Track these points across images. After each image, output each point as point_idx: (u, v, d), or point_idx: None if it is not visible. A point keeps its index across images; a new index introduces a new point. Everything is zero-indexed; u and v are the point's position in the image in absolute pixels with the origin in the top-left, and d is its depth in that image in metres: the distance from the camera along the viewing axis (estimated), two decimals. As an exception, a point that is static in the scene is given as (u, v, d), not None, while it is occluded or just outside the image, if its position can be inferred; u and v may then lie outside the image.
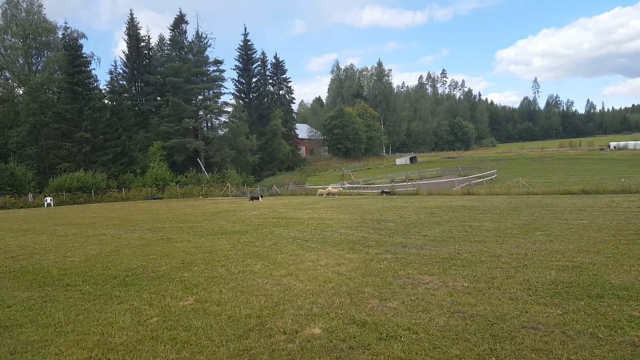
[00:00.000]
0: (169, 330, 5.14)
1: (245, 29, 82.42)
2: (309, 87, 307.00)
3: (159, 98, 70.76)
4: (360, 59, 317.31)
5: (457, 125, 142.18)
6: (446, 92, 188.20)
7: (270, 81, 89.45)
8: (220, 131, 69.85)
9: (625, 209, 14.51)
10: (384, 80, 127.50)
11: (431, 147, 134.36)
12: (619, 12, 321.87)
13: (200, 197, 47.81)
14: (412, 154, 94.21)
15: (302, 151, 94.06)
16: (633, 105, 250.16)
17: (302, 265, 8.17)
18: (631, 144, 78.69)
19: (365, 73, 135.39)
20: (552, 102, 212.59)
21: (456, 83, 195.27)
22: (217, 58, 68.62)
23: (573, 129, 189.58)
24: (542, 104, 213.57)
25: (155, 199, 47.03)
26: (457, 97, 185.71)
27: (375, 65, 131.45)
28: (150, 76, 70.08)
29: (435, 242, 9.98)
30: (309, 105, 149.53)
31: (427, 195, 32.55)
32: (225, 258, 9.37)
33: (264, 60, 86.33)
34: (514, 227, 11.69)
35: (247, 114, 75.68)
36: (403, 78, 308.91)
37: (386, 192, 32.20)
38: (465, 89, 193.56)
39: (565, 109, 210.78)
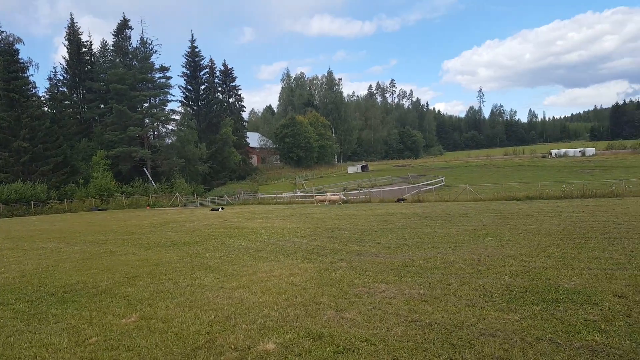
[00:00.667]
0: (109, 351, 4.67)
1: (192, 36, 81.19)
2: (259, 95, 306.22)
3: (102, 105, 67.63)
4: (310, 68, 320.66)
5: (406, 134, 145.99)
6: (395, 102, 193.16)
7: (220, 89, 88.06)
8: (167, 139, 67.68)
9: (570, 213, 15.16)
10: (335, 89, 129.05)
11: (382, 155, 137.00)
12: (558, 24, 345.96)
13: (148, 207, 45.95)
14: (364, 163, 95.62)
15: (254, 160, 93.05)
16: (572, 114, 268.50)
17: (254, 277, 7.81)
18: (571, 151, 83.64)
19: (316, 82, 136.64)
20: (497, 112, 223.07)
21: (405, 93, 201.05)
22: (163, 65, 66.63)
23: (516, 137, 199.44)
24: (487, 113, 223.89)
25: (99, 210, 44.78)
26: (406, 107, 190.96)
27: (326, 74, 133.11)
28: (92, 83, 66.92)
29: (389, 249, 9.92)
30: (260, 114, 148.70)
31: (379, 202, 32.91)
32: (173, 271, 8.84)
33: (212, 68, 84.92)
34: (465, 233, 11.88)
35: (196, 122, 73.95)
36: (353, 87, 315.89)
37: (401, 200, 31.60)
38: (414, 99, 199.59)
39: (508, 118, 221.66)
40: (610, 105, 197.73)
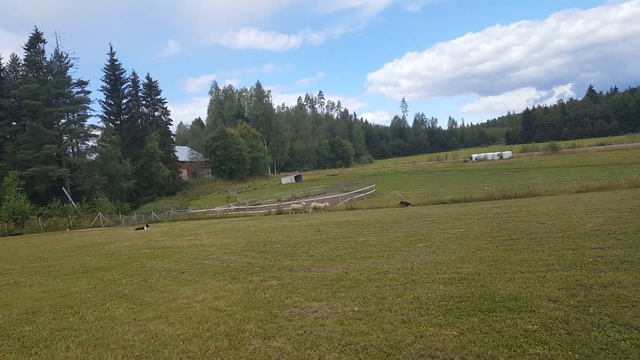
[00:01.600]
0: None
1: (112, 48, 76.58)
2: (187, 108, 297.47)
3: (14, 123, 61.75)
4: (239, 80, 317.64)
5: (336, 143, 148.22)
6: (325, 113, 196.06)
7: (144, 102, 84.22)
8: (88, 156, 63.24)
9: (495, 215, 15.66)
10: (264, 101, 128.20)
11: (315, 165, 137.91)
12: (471, 37, 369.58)
13: (67, 229, 42.31)
14: (297, 173, 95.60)
15: (184, 174, 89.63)
16: (487, 120, 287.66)
17: (174, 304, 7.02)
18: (489, 155, 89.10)
19: (245, 94, 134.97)
20: (419, 120, 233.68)
21: (333, 104, 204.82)
22: (81, 79, 62.31)
23: (439, 144, 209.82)
24: (410, 122, 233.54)
25: (12, 235, 40.47)
26: (335, 117, 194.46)
27: (255, 87, 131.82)
28: (2, 99, 61.01)
29: (322, 261, 9.49)
30: (188, 127, 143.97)
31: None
32: (81, 302, 7.78)
33: (135, 81, 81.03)
34: (397, 239, 11.77)
35: (120, 137, 69.89)
36: (283, 99, 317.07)
37: (405, 204, 30.54)
38: (342, 110, 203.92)
39: (430, 125, 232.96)
40: (522, 111, 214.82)
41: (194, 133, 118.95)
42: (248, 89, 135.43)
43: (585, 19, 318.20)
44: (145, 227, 31.77)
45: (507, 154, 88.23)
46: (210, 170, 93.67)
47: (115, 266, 12.14)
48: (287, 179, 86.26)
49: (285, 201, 49.54)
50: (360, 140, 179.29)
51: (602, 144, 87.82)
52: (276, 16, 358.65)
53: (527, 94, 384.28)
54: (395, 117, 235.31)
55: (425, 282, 6.72)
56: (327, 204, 33.24)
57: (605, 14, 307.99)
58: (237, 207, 48.06)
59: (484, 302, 5.40)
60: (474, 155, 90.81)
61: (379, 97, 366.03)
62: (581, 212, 13.88)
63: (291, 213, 32.13)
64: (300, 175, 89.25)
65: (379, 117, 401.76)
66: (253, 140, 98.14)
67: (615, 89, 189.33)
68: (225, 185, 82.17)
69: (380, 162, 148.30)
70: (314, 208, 32.18)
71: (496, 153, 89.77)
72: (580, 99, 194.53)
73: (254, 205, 49.53)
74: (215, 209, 46.91)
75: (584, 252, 7.66)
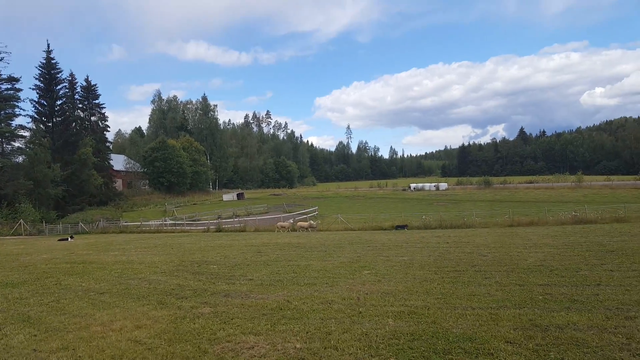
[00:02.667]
0: None
1: (49, 46, 71.32)
2: (128, 116, 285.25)
3: None
4: (185, 92, 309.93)
5: (281, 164, 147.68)
6: (271, 132, 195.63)
7: (80, 106, 79.45)
8: (14, 159, 58.22)
9: (436, 244, 15.64)
10: (210, 115, 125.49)
11: (258, 184, 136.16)
12: (415, 72, 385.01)
13: (-21, 236, 38.18)
14: (240, 191, 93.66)
15: (119, 184, 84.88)
16: (426, 152, 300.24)
17: (86, 332, 6.01)
18: (427, 185, 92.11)
19: (190, 106, 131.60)
20: (362, 147, 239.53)
21: (280, 124, 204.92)
22: (12, 75, 57.72)
23: (380, 172, 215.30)
24: (354, 148, 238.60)
25: None
26: (281, 138, 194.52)
27: (201, 100, 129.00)
28: None
29: (262, 287, 8.76)
30: (127, 135, 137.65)
31: (254, 232, 31.69)
32: (-29, 326, 6.54)
33: (72, 83, 76.34)
34: (341, 265, 11.28)
35: (50, 140, 65.14)
36: (230, 115, 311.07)
37: (400, 227, 29.06)
38: (289, 131, 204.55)
39: (373, 153, 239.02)
40: (458, 146, 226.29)
41: (133, 142, 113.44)
42: (194, 102, 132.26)
43: (520, 65, 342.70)
44: (69, 238, 29.23)
45: (443, 185, 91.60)
46: (147, 181, 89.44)
47: (26, 282, 10.69)
48: (229, 196, 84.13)
49: (225, 218, 47.94)
50: (305, 163, 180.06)
51: (531, 182, 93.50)
52: (228, 32, 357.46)
53: (464, 131, 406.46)
54: (340, 142, 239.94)
55: (373, 315, 6.22)
56: (312, 223, 31.98)
57: (538, 63, 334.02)
58: (173, 222, 45.81)
59: (437, 342, 4.96)
60: (413, 185, 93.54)
61: (325, 121, 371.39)
62: (520, 245, 14.15)
63: (277, 231, 30.57)
64: (242, 193, 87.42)
65: (325, 141, 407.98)
66: (195, 154, 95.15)
67: (544, 132, 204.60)
68: (162, 199, 78.60)
69: (323, 185, 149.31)
70: (300, 228, 30.94)
71: (433, 184, 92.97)
72: (511, 139, 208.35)
73: (192, 221, 47.47)
74: (150, 223, 44.41)
75: (531, 289, 7.52)
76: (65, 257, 16.17)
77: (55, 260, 15.31)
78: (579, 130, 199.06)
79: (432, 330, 5.39)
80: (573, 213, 30.42)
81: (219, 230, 33.89)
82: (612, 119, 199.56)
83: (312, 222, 32.23)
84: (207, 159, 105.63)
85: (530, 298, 6.86)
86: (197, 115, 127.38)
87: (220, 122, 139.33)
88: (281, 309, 6.81)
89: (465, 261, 11.14)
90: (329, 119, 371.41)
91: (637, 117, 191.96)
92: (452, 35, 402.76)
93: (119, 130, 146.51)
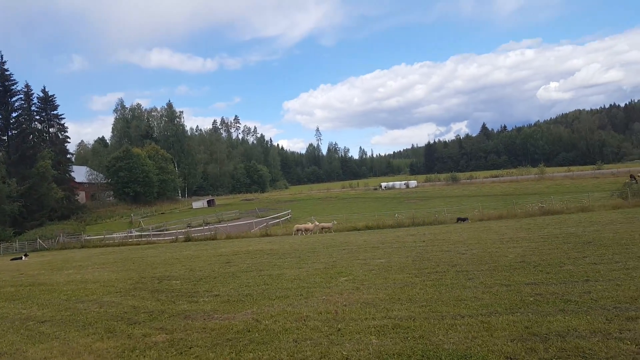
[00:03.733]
0: None
1: (2, 57, 67.58)
2: (91, 127, 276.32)
3: None
4: (150, 100, 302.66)
5: (252, 168, 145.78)
6: (240, 137, 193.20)
7: (38, 117, 76.17)
8: (-34, 174, 54.97)
9: (412, 243, 15.10)
10: (176, 121, 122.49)
11: (229, 189, 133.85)
12: (379, 74, 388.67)
13: None
14: (210, 197, 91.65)
15: (81, 197, 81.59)
16: (394, 152, 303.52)
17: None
18: (397, 184, 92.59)
19: (155, 114, 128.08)
20: (333, 149, 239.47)
21: (249, 129, 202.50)
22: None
23: (350, 172, 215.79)
24: (324, 150, 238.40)
25: None
26: (251, 142, 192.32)
27: (166, 107, 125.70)
28: None
29: (229, 304, 7.93)
30: (90, 146, 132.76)
31: (226, 239, 30.71)
32: None
33: (28, 94, 73.08)
34: (317, 272, 10.56)
35: (6, 154, 61.92)
36: (197, 122, 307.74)
37: (462, 219, 27.94)
38: (258, 135, 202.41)
39: (343, 154, 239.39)
40: (424, 145, 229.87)
41: (95, 152, 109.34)
42: (158, 109, 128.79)
43: (479, 63, 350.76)
44: (23, 257, 27.40)
45: (412, 183, 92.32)
46: (112, 192, 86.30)
47: (-41, 312, 9.49)
48: (199, 203, 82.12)
49: (195, 227, 46.46)
50: (276, 166, 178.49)
51: (496, 176, 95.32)
52: (191, 38, 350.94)
53: (429, 129, 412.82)
54: (310, 144, 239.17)
55: (354, 332, 5.52)
56: (335, 222, 30.56)
57: (496, 60, 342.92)
58: (139, 233, 44.01)
59: (430, 364, 4.30)
60: (383, 184, 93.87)
61: (294, 124, 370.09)
62: (496, 241, 13.80)
63: (295, 234, 29.06)
64: (213, 200, 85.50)
65: (295, 144, 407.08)
66: (162, 162, 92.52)
67: (505, 127, 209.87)
68: (128, 209, 75.91)
69: (295, 188, 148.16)
70: (306, 230, 29.60)
71: (403, 182, 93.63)
72: (475, 135, 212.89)
73: (160, 231, 45.75)
74: (114, 236, 42.50)
75: (519, 289, 7.00)
76: (13, 279, 14.83)
77: (0, 283, 14.00)
78: (537, 124, 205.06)
79: (422, 347, 4.73)
80: (540, 205, 30.80)
81: (188, 239, 32.63)
82: (567, 112, 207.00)
83: (334, 221, 31.06)
84: (174, 167, 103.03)
85: (521, 300, 6.32)
86: (163, 122, 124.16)
87: (188, 128, 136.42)
88: (249, 331, 6.01)
89: (445, 261, 10.62)
90: (299, 122, 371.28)
91: (589, 109, 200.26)
92: (413, 36, 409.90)
93: (82, 141, 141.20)
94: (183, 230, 40.34)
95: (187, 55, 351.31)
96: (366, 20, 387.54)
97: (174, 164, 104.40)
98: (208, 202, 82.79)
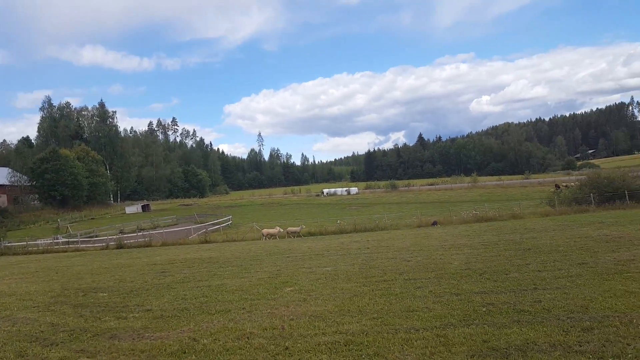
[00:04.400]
0: None
1: None
2: (15, 126, 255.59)
3: None
4: (81, 99, 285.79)
5: (191, 172, 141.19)
6: (178, 140, 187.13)
7: (-49, 114, 69.20)
8: None
9: (357, 250, 14.91)
10: (109, 122, 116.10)
11: (166, 194, 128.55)
12: (321, 81, 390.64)
13: None
14: (145, 202, 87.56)
15: (3, 200, 75.04)
16: (335, 159, 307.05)
17: None
18: (339, 190, 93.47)
19: (86, 113, 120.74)
20: (275, 155, 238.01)
21: (188, 132, 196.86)
22: None
23: (293, 178, 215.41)
24: (266, 155, 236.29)
25: None
26: (190, 146, 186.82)
27: (97, 106, 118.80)
28: None
29: (162, 320, 7.17)
30: (13, 146, 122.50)
31: (161, 246, 29.14)
32: None
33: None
34: (260, 282, 10.00)
35: None
36: (132, 123, 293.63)
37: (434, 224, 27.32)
38: (197, 138, 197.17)
39: (285, 160, 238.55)
40: (364, 153, 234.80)
41: (19, 153, 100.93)
42: (89, 108, 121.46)
43: (416, 75, 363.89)
44: None
45: (354, 190, 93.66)
46: (37, 196, 79.96)
47: None
48: (133, 208, 78.16)
49: (128, 233, 43.85)
50: (217, 171, 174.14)
51: (432, 184, 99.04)
52: (127, 36, 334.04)
53: (368, 138, 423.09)
54: (252, 150, 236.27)
55: (304, 351, 5.06)
56: (303, 226, 29.83)
57: (432, 73, 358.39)
58: (67, 239, 40.81)
59: (389, 387, 3.94)
60: (325, 190, 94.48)
61: (236, 129, 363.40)
62: (439, 247, 13.92)
63: (264, 239, 27.74)
64: (148, 205, 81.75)
65: (236, 149, 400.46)
66: (93, 164, 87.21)
67: (439, 137, 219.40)
68: (55, 214, 70.56)
69: (237, 193, 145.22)
70: (289, 232, 28.44)
71: (345, 189, 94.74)
72: (412, 144, 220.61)
73: (89, 237, 42.72)
74: (38, 242, 39.09)
75: (470, 298, 6.88)
76: None
77: None
78: (470, 135, 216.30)
79: (378, 367, 4.37)
80: (474, 212, 31.99)
81: (120, 246, 30.63)
82: (497, 125, 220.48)
83: (303, 226, 30.28)
84: (106, 169, 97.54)
85: (474, 310, 6.18)
86: (94, 122, 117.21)
87: (121, 129, 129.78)
88: (185, 352, 5.37)
89: (392, 269, 10.46)
90: (240, 126, 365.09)
91: (517, 122, 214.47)
92: (355, 45, 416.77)
93: (4, 140, 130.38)
94: (115, 237, 37.89)
95: (122, 54, 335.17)
96: (309, 28, 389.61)
97: (106, 167, 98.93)
98: (143, 207, 79.19)
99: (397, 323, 5.85)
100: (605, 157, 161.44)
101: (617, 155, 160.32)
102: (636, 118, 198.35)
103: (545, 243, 12.55)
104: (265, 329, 6.07)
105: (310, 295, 8.15)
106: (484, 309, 6.18)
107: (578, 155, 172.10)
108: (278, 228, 29.47)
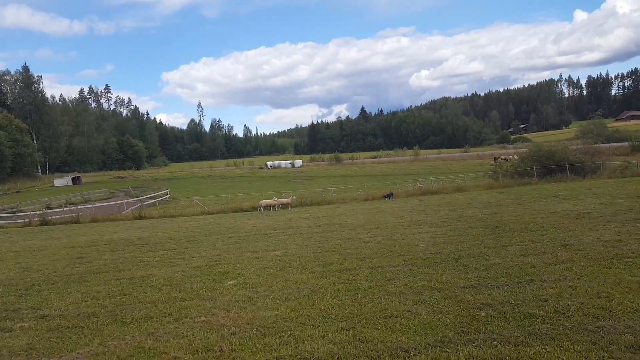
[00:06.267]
0: None
1: None
2: None
3: None
4: (5, 64, 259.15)
5: (126, 143, 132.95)
6: (112, 109, 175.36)
7: None
8: None
9: (307, 229, 13.44)
10: (34, 88, 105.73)
11: (99, 166, 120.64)
12: (263, 50, 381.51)
13: None
14: (76, 174, 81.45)
15: None
16: (278, 131, 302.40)
17: None
18: (283, 163, 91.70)
19: (8, 78, 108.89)
20: (216, 126, 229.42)
21: (122, 100, 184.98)
22: None
23: (235, 150, 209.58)
24: (207, 126, 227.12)
25: None
26: (125, 115, 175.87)
27: (21, 70, 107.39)
28: None
29: (57, 334, 5.33)
30: None
31: (90, 222, 26.43)
32: None
33: None
34: (195, 273, 8.28)
35: None
36: (62, 90, 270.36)
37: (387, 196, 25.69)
38: (132, 107, 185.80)
39: (227, 132, 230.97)
40: (307, 125, 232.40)
41: None
42: (12, 73, 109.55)
43: (358, 47, 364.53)
44: None
45: (298, 162, 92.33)
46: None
47: None
48: (62, 181, 72.48)
49: (55, 208, 39.77)
50: (154, 142, 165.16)
51: (375, 157, 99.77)
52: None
53: (312, 110, 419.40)
54: (192, 120, 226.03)
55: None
56: (294, 197, 27.43)
57: (374, 46, 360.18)
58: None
59: None
60: (269, 163, 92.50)
61: (174, 98, 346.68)
62: (397, 225, 12.79)
63: (260, 210, 25.27)
64: (79, 177, 76.09)
65: (175, 119, 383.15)
66: (17, 134, 79.35)
67: (381, 111, 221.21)
68: (-28, 187, 63.61)
69: (176, 165, 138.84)
70: (275, 205, 25.87)
71: (289, 162, 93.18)
72: (354, 117, 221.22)
73: (11, 213, 38.27)
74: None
75: (458, 296, 5.59)
76: None
77: None
78: (410, 109, 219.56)
79: None
80: (419, 185, 31.65)
81: (44, 223, 27.51)
82: (436, 99, 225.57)
83: (293, 196, 27.96)
84: (32, 139, 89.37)
85: (470, 316, 4.87)
86: (18, 88, 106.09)
87: (49, 96, 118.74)
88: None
89: (351, 252, 9.10)
90: (179, 95, 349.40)
91: (455, 97, 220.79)
92: (297, 15, 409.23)
93: None
94: (39, 213, 34.04)
95: (51, 16, 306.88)
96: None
97: (32, 136, 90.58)
98: (73, 179, 73.75)
99: (376, 338, 4.42)
100: (536, 131, 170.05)
101: (547, 130, 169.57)
102: (564, 94, 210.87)
103: (510, 219, 11.71)
104: (197, 352, 4.42)
105: (258, 292, 6.56)
106: (482, 314, 4.88)
107: (511, 129, 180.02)
108: (276, 199, 27.42)
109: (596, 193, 16.64)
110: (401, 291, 5.99)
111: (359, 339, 4.45)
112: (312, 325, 4.96)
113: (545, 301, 5.20)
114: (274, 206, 26.39)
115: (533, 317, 4.74)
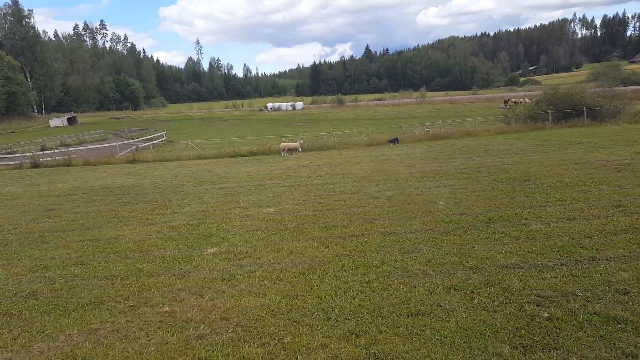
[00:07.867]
0: None
1: None
2: None
3: None
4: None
5: (123, 82, 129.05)
6: (108, 46, 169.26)
7: None
8: None
9: (307, 179, 12.03)
10: (25, 22, 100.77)
11: (96, 106, 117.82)
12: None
13: None
14: (71, 114, 79.54)
15: None
16: (279, 72, 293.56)
17: None
18: (284, 105, 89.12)
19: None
20: (215, 65, 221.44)
21: (119, 37, 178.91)
22: None
23: (234, 91, 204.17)
24: (206, 65, 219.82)
25: None
26: (121, 53, 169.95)
27: (10, 3, 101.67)
28: None
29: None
30: None
31: (83, 165, 25.34)
32: None
33: None
34: (172, 234, 6.98)
35: None
36: (56, 26, 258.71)
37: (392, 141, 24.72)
38: (129, 45, 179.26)
39: (226, 72, 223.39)
40: (310, 65, 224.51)
41: None
42: (1, 6, 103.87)
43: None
44: None
45: (299, 104, 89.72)
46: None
47: None
48: (58, 121, 70.84)
49: (49, 150, 38.43)
50: (152, 81, 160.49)
51: (379, 99, 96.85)
52: None
53: (314, 49, 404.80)
54: (190, 58, 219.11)
55: None
56: (302, 141, 25.55)
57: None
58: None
59: None
60: (269, 105, 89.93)
61: (172, 35, 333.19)
62: (407, 176, 11.39)
63: (283, 154, 23.98)
64: (74, 117, 74.22)
65: (173, 57, 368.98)
66: (9, 71, 76.47)
67: (387, 50, 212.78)
68: (-35, 128, 62.07)
69: (174, 106, 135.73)
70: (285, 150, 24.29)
71: (289, 104, 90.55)
72: (358, 57, 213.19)
73: (4, 154, 36.99)
74: None
75: (503, 282, 4.24)
76: None
77: None
78: (416, 48, 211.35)
79: None
80: (425, 129, 30.13)
81: (35, 165, 26.50)
82: (444, 38, 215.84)
83: (301, 141, 26.11)
84: (26, 78, 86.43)
85: (526, 317, 3.50)
86: (8, 23, 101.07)
87: (41, 31, 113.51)
88: None
89: (357, 211, 7.75)
90: (177, 32, 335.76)
91: (463, 36, 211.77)
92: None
93: None
94: (30, 155, 32.73)
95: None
96: None
97: (26, 74, 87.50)
98: (69, 119, 71.99)
99: (399, 352, 3.11)
100: (546, 73, 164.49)
101: (557, 72, 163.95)
102: (577, 35, 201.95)
103: (538, 171, 10.24)
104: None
105: (242, 266, 5.25)
106: (544, 315, 3.55)
107: (520, 71, 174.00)
108: (300, 141, 25.72)
109: (625, 140, 15.10)
110: (425, 271, 4.66)
111: (374, 353, 3.15)
112: (309, 324, 3.66)
113: (626, 294, 3.85)
114: (296, 149, 24.74)
115: (618, 323, 3.41)
